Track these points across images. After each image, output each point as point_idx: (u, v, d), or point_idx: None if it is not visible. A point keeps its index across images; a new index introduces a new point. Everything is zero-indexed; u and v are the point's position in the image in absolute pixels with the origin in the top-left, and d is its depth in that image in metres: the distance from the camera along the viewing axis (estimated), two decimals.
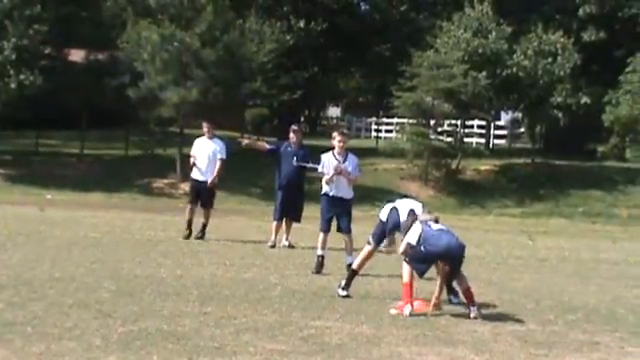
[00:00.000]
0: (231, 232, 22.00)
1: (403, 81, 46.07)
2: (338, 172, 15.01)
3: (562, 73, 47.53)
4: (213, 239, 19.80)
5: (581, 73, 49.44)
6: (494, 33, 47.76)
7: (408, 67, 46.37)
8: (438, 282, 11.46)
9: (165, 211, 31.56)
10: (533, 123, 55.23)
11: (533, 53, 47.73)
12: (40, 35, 43.89)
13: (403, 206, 12.28)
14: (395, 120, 55.37)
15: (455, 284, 11.98)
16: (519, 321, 10.92)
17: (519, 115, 56.79)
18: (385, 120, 60.66)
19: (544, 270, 17.62)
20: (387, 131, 59.53)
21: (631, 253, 23.40)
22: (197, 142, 20.61)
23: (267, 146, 20.29)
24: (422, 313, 11.08)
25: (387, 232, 12.42)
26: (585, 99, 49.81)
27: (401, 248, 11.62)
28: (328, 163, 15.17)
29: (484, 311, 11.45)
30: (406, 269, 11.41)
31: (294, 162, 19.22)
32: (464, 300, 11.52)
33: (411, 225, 11.62)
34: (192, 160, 20.44)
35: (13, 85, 42.96)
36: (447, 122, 49.14)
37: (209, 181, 20.29)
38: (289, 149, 19.48)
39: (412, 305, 11.14)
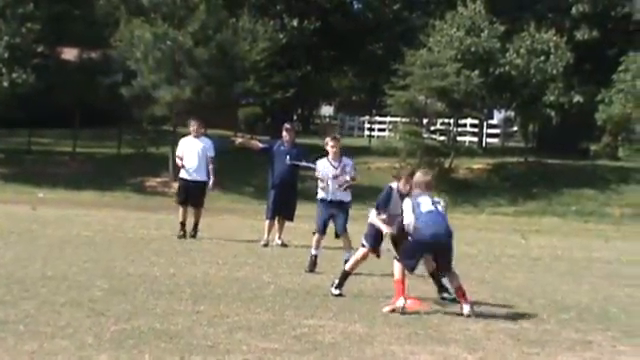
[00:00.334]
0: (224, 231, 21.99)
1: (396, 80, 46.08)
2: (345, 185, 15.21)
3: (555, 72, 47.57)
4: (206, 238, 19.79)
5: (574, 72, 49.48)
6: (487, 32, 47.79)
7: (401, 66, 46.37)
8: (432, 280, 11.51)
9: (158, 210, 31.54)
10: (526, 122, 55.25)
11: (526, 52, 47.76)
12: (33, 33, 43.86)
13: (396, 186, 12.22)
14: (388, 119, 55.39)
15: (446, 281, 11.97)
16: (512, 320, 10.93)
17: (512, 114, 56.84)
18: (378, 119, 60.68)
19: (537, 269, 17.64)
20: (380, 130, 59.55)
21: (623, 252, 23.44)
22: (183, 141, 20.56)
23: (260, 145, 20.27)
24: (415, 312, 11.08)
25: (378, 205, 12.27)
26: (578, 98, 49.85)
27: (390, 229, 11.75)
28: (324, 169, 15.34)
29: (476, 309, 11.45)
30: (397, 267, 11.43)
31: (287, 161, 19.22)
32: (455, 296, 11.54)
33: (402, 201, 11.65)
34: (180, 162, 20.35)
35: (5, 84, 42.93)
36: (440, 121, 49.15)
37: (211, 185, 20.27)
38: (282, 148, 19.47)
39: (405, 299, 11.14)
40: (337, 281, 12.44)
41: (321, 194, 15.44)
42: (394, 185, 12.26)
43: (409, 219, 11.42)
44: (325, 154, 15.61)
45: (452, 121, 49.86)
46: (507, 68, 47.41)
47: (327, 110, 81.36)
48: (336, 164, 15.35)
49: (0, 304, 9.93)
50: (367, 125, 63.31)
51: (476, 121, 55.17)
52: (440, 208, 11.47)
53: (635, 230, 34.59)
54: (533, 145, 55.40)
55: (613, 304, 12.85)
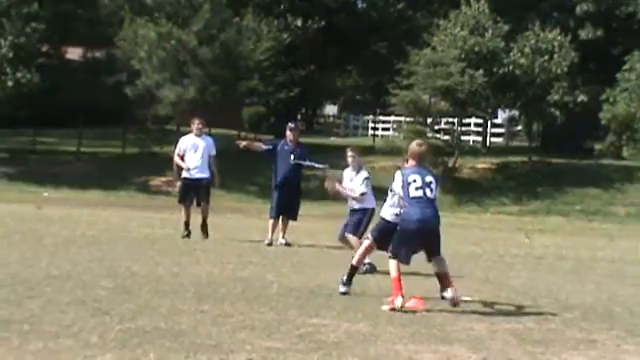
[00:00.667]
0: (228, 230, 22.00)
1: (400, 79, 46.09)
2: (335, 190, 15.43)
3: (559, 71, 47.55)
4: (210, 237, 19.78)
5: (578, 71, 49.46)
6: (491, 31, 47.77)
7: (405, 65, 46.37)
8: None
9: (162, 209, 31.55)
10: (530, 121, 55.21)
11: (530, 51, 47.74)
12: (37, 33, 43.94)
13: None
14: (392, 118, 55.43)
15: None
16: (516, 319, 10.92)
17: (516, 113, 56.82)
18: (382, 118, 60.70)
19: (541, 268, 17.63)
20: (384, 129, 59.57)
21: (628, 251, 23.43)
22: (184, 140, 20.42)
23: (263, 146, 20.22)
24: (418, 311, 11.08)
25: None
26: (582, 97, 49.83)
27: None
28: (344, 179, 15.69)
29: (481, 309, 11.46)
30: (392, 264, 11.45)
31: (291, 160, 19.24)
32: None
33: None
34: (178, 162, 20.22)
35: (10, 83, 43.01)
36: (444, 120, 49.19)
37: (216, 184, 20.24)
38: (286, 147, 19.49)
39: (402, 296, 11.15)
40: (345, 278, 12.44)
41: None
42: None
43: (397, 188, 11.56)
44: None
45: (456, 120, 49.89)
46: (511, 67, 47.39)
47: (331, 109, 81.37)
48: (353, 174, 15.65)
49: (5, 303, 9.94)
50: (371, 124, 63.33)
51: (480, 120, 55.17)
52: (430, 193, 11.45)
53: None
54: (537, 144, 55.39)
55: (617, 303, 12.84)
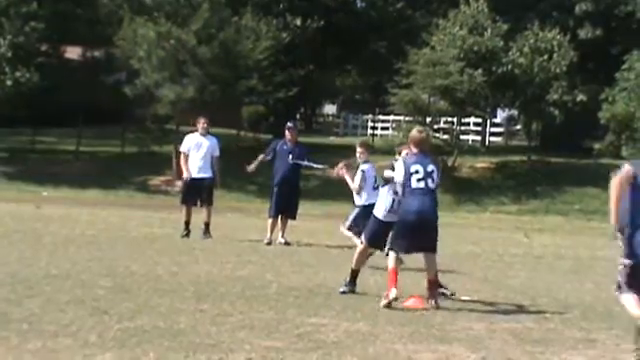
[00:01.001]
0: (227, 229, 21.99)
1: (399, 78, 46.07)
2: (338, 172, 15.80)
3: (558, 70, 47.51)
4: (209, 236, 19.77)
5: (577, 70, 49.42)
6: (490, 30, 47.75)
7: (404, 64, 46.35)
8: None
9: (161, 208, 31.55)
10: (529, 120, 55.15)
11: (529, 50, 47.71)
12: (36, 32, 43.93)
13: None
14: (391, 117, 55.37)
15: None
16: (515, 318, 10.92)
17: (515, 112, 56.78)
18: (381, 117, 60.63)
19: (540, 267, 17.64)
20: (383, 128, 59.51)
21: None
22: (189, 138, 20.25)
23: (267, 157, 20.01)
24: (417, 310, 11.09)
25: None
26: (581, 96, 49.76)
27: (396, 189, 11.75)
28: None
29: (480, 308, 11.47)
30: (391, 256, 11.47)
31: (289, 160, 19.25)
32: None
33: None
34: (182, 163, 20.12)
35: (9, 82, 43.01)
36: (443, 119, 49.16)
37: (217, 183, 20.16)
38: (284, 147, 19.51)
39: (396, 288, 11.17)
40: (347, 279, 12.44)
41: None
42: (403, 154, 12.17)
43: (398, 178, 11.57)
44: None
45: (455, 120, 49.86)
46: (510, 67, 47.35)
47: (330, 109, 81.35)
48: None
49: (4, 302, 9.95)
50: (370, 124, 63.24)
51: (479, 120, 55.14)
52: (431, 183, 11.45)
53: None
54: (536, 144, 55.34)
55: (617, 303, 12.76)
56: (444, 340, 9.31)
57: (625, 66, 47.40)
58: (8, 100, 43.51)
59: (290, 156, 19.27)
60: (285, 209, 19.43)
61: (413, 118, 46.87)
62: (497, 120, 60.84)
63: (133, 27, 43.71)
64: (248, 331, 9.12)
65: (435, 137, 46.61)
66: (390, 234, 11.73)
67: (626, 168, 8.87)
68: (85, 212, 27.51)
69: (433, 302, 11.33)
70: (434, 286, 11.49)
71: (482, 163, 48.05)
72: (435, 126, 47.75)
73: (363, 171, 15.67)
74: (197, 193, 19.86)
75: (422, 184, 11.40)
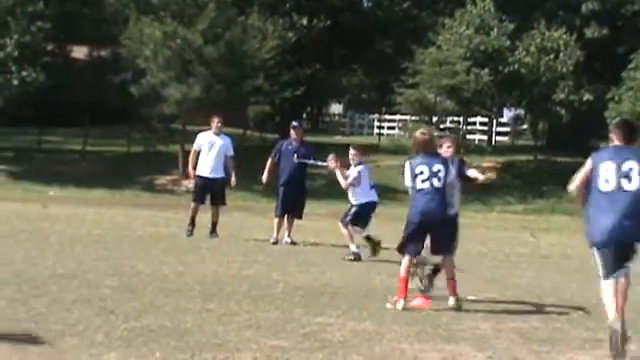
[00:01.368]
0: (233, 229, 21.99)
1: (405, 78, 46.07)
2: (332, 167, 17.24)
3: (564, 70, 47.48)
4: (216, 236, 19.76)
5: (584, 70, 49.38)
6: (496, 30, 47.74)
7: (410, 64, 46.35)
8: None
9: (167, 208, 31.56)
10: (535, 120, 55.14)
11: (535, 50, 47.68)
12: (42, 32, 43.94)
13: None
14: (397, 117, 55.36)
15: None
16: (521, 318, 10.91)
17: (521, 112, 56.77)
18: (387, 117, 60.62)
19: (546, 267, 17.62)
20: (389, 128, 59.49)
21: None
22: (202, 136, 20.07)
23: (274, 160, 19.94)
24: (424, 310, 11.08)
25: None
26: (588, 96, 49.70)
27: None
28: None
29: (486, 308, 11.46)
30: (404, 262, 11.44)
31: (295, 159, 19.26)
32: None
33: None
34: (192, 167, 20.05)
35: (15, 82, 43.03)
36: (449, 119, 49.15)
37: (232, 183, 20.07)
38: (290, 147, 19.51)
39: (405, 300, 11.16)
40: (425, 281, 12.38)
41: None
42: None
43: (406, 181, 11.73)
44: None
45: (462, 119, 49.84)
46: (517, 66, 47.33)
47: (336, 108, 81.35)
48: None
49: (11, 302, 9.95)
50: (376, 123, 63.26)
51: (486, 119, 55.13)
52: (437, 182, 11.43)
53: None
54: (543, 143, 55.30)
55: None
56: (450, 339, 9.31)
57: (631, 65, 47.32)
58: (14, 100, 43.56)
59: (295, 155, 19.27)
60: (291, 208, 19.41)
61: (419, 118, 46.87)
62: (503, 120, 60.84)
63: (139, 27, 43.72)
64: (254, 330, 9.12)
65: (441, 136, 46.60)
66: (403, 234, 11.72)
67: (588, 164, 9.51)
68: (91, 211, 27.52)
69: (454, 301, 11.32)
70: (450, 284, 11.47)
71: (488, 163, 48.00)
72: (441, 125, 47.72)
73: (359, 172, 16.74)
74: (208, 192, 19.80)
75: (427, 184, 11.40)
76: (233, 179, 20.05)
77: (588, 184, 9.48)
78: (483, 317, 10.84)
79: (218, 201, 19.79)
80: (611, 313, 9.15)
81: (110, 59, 49.54)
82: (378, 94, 65.65)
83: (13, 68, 43.05)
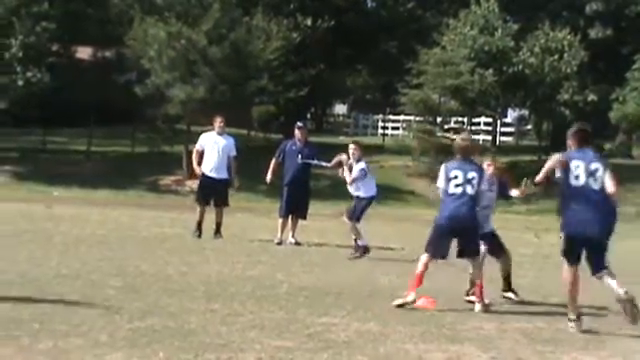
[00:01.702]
0: (237, 229, 21.98)
1: (410, 78, 46.13)
2: (337, 163, 17.71)
3: (569, 70, 47.52)
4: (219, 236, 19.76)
5: (588, 70, 49.43)
6: (500, 30, 47.76)
7: (415, 64, 46.40)
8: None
9: (172, 208, 31.58)
10: (540, 120, 55.20)
11: (540, 50, 47.72)
12: (47, 32, 43.99)
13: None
14: (402, 117, 55.40)
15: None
16: (525, 318, 10.92)
17: (526, 112, 56.78)
18: (392, 117, 60.65)
19: (549, 267, 17.59)
20: (394, 128, 59.50)
21: (638, 250, 23.36)
22: (205, 136, 20.01)
23: (278, 160, 19.93)
24: (428, 310, 11.08)
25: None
26: (592, 96, 49.74)
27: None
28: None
29: (490, 308, 11.45)
30: (421, 259, 11.47)
31: (299, 159, 19.26)
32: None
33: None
34: (195, 164, 20.04)
35: (20, 82, 43.11)
36: (454, 119, 49.16)
37: (235, 186, 20.05)
38: (294, 147, 19.50)
39: (415, 292, 11.18)
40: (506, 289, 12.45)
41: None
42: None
43: (439, 183, 11.77)
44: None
45: (466, 119, 49.85)
46: (521, 67, 47.38)
47: (341, 109, 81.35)
48: (353, 165, 17.43)
49: (15, 302, 9.96)
50: (381, 124, 63.28)
51: (490, 119, 55.13)
52: (470, 190, 11.47)
53: None
54: (547, 143, 55.29)
55: None
56: (455, 340, 9.31)
57: (636, 66, 47.37)
58: (19, 100, 43.62)
59: (299, 156, 19.27)
60: (295, 209, 19.40)
61: (424, 118, 46.90)
62: (508, 120, 60.83)
63: (144, 27, 43.77)
64: (258, 331, 9.12)
65: (445, 137, 46.63)
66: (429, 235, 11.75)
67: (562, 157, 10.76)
68: (95, 212, 27.54)
69: (480, 306, 11.35)
70: (477, 289, 11.49)
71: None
72: (445, 126, 47.74)
73: (363, 169, 17.18)
74: (211, 192, 19.71)
75: (459, 190, 11.42)
76: (236, 181, 20.01)
77: (561, 176, 10.56)
78: (487, 317, 10.85)
79: (221, 202, 19.72)
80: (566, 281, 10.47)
81: (115, 60, 49.60)
82: (382, 94, 65.67)
83: (18, 69, 43.11)
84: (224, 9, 44.23)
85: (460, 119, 49.47)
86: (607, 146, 52.90)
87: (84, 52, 51.80)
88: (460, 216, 11.37)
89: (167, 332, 8.80)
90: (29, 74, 43.05)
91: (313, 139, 22.22)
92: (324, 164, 18.95)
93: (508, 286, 12.51)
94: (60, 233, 19.05)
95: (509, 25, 48.36)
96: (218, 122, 19.93)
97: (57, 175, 42.27)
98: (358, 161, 17.25)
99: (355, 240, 17.20)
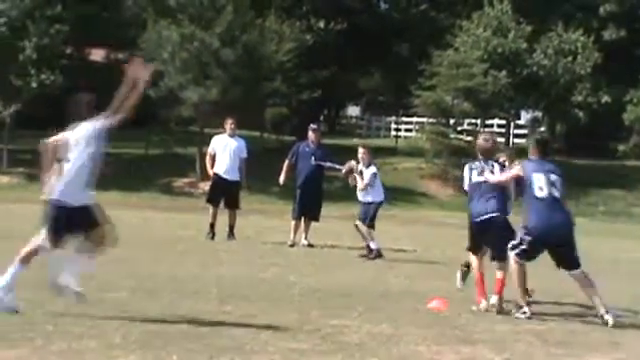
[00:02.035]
0: (250, 231, 22.00)
1: (423, 80, 46.08)
2: (349, 170, 17.81)
3: (582, 72, 47.43)
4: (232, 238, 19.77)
5: (602, 72, 49.28)
6: (513, 32, 47.69)
7: (428, 66, 46.37)
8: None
9: (185, 210, 31.62)
10: (553, 122, 55.06)
11: (553, 52, 47.64)
12: (61, 35, 44.10)
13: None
14: (415, 119, 55.33)
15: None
16: (539, 320, 10.89)
17: (539, 114, 56.65)
18: (405, 119, 60.57)
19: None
20: (407, 130, 59.43)
21: None
22: (217, 139, 20.11)
23: (291, 161, 19.94)
24: (441, 312, 11.07)
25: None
26: (605, 98, 49.62)
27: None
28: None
29: (503, 310, 11.43)
30: (474, 263, 11.85)
31: (312, 161, 19.27)
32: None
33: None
34: (209, 166, 20.07)
35: (34, 84, 43.21)
36: (467, 121, 49.09)
37: (244, 185, 20.06)
38: (307, 149, 19.51)
39: (485, 300, 11.47)
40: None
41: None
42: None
43: (464, 184, 12.16)
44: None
45: (479, 121, 49.78)
46: (534, 68, 47.29)
47: (353, 110, 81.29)
48: (363, 169, 17.79)
49: (28, 304, 9.98)
50: (394, 126, 63.19)
51: (503, 121, 55.03)
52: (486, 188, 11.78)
53: None
54: (561, 145, 55.17)
55: None
56: (468, 342, 9.29)
57: None
58: (33, 102, 43.74)
59: (312, 158, 19.28)
60: (308, 211, 19.40)
61: (436, 120, 46.85)
62: (521, 122, 60.69)
63: (157, 29, 43.85)
64: (271, 333, 9.12)
65: (458, 139, 46.60)
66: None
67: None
68: (109, 214, 27.54)
69: (495, 299, 11.52)
70: (499, 283, 11.63)
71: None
72: (459, 128, 47.68)
73: (375, 173, 17.49)
74: (222, 194, 19.75)
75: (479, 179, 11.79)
76: (244, 182, 20.01)
77: (524, 189, 11.51)
78: (500, 319, 10.83)
79: (233, 205, 19.73)
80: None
81: (128, 62, 49.76)
82: (395, 96, 65.57)
83: (32, 71, 43.23)
84: (237, 11, 44.26)
85: (473, 121, 49.38)
86: (621, 148, 52.79)
87: (97, 54, 51.90)
88: (488, 213, 11.73)
89: (180, 334, 8.81)
90: (43, 76, 43.16)
91: (326, 141, 22.23)
92: (337, 166, 18.96)
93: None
94: None
95: (522, 27, 48.25)
96: (229, 124, 20.02)
97: None
98: (368, 166, 17.57)
99: (367, 244, 17.30)
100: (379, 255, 17.08)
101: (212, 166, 19.93)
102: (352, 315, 10.47)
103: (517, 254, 11.28)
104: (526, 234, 11.30)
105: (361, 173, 17.49)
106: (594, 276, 11.23)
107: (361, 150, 17.87)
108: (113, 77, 47.01)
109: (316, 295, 11.94)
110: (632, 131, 50.91)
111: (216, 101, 42.86)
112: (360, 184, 17.38)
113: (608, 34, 52.13)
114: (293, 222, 19.47)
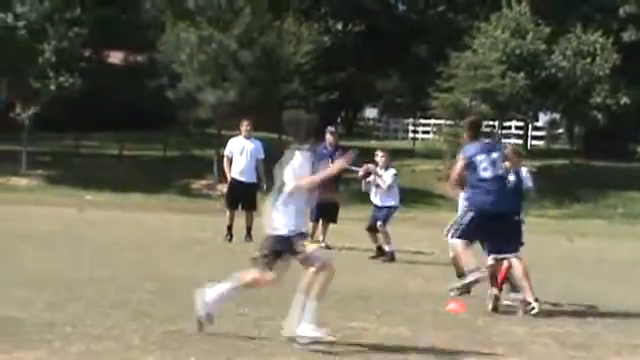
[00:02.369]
0: None
1: (440, 82, 46.03)
2: (366, 173, 17.83)
3: (601, 73, 47.28)
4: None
5: (620, 73, 49.09)
6: (532, 34, 47.58)
7: (445, 68, 46.32)
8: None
9: (203, 212, 31.66)
10: (572, 124, 54.88)
11: (572, 53, 47.50)
12: (80, 37, 44.27)
13: None
14: (432, 121, 55.27)
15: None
16: (557, 323, 10.86)
17: (557, 116, 56.49)
18: (422, 121, 60.52)
19: (582, 271, 17.52)
20: (424, 132, 59.38)
21: None
22: (233, 141, 20.10)
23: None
24: (459, 314, 11.06)
25: None
26: (624, 99, 49.42)
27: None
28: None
29: (522, 313, 11.41)
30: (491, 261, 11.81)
31: (329, 163, 19.23)
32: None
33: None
34: (227, 168, 20.07)
35: (53, 87, 43.39)
36: (485, 123, 48.96)
37: (263, 187, 20.03)
38: (324, 151, 19.49)
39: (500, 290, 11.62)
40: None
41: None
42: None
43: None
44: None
45: (497, 123, 49.68)
46: (553, 70, 47.16)
47: (371, 112, 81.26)
48: (382, 172, 17.88)
49: (47, 306, 10.02)
50: (411, 127, 63.15)
51: (521, 123, 54.90)
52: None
53: None
54: (579, 147, 55.01)
55: None
56: (486, 344, 9.28)
57: None
58: (52, 104, 43.93)
59: (330, 160, 19.26)
60: (326, 213, 19.38)
61: (454, 122, 46.78)
62: (539, 124, 60.54)
63: (175, 32, 43.97)
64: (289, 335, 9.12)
65: None
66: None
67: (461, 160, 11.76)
68: (128, 216, 27.66)
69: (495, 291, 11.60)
70: (504, 275, 11.80)
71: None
72: None
73: (396, 174, 17.77)
74: (240, 196, 19.75)
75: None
76: (262, 183, 19.99)
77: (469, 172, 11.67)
78: (518, 321, 10.80)
79: (250, 206, 19.69)
80: (471, 265, 11.51)
81: (146, 64, 49.82)
82: (413, 98, 65.53)
83: (51, 74, 43.40)
84: (255, 13, 44.34)
85: (491, 123, 49.29)
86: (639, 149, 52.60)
87: (116, 57, 52.09)
88: (500, 203, 11.74)
89: (198, 336, 8.83)
90: (61, 79, 43.32)
91: (343, 143, 22.22)
92: (354, 168, 18.95)
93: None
94: (92, 237, 19.15)
95: (541, 28, 48.13)
96: (245, 126, 20.04)
97: (90, 179, 42.47)
98: (387, 169, 17.74)
99: (380, 246, 17.44)
100: (393, 258, 17.33)
101: (229, 168, 19.94)
102: (370, 317, 10.47)
103: (459, 236, 11.64)
104: (469, 212, 11.62)
105: (380, 176, 17.62)
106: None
107: (380, 153, 18.06)
108: (131, 80, 47.14)
109: (333, 297, 11.92)
110: None
111: (234, 103, 42.93)
112: (383, 185, 17.55)
113: (627, 35, 51.94)
114: (311, 224, 19.45)
